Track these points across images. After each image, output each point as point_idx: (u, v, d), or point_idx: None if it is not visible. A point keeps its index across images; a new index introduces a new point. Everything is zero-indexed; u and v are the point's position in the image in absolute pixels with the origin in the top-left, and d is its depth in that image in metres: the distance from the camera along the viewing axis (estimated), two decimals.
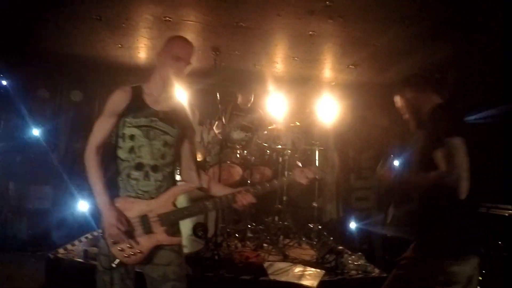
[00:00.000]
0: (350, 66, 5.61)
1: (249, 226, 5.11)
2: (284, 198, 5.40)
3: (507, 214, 4.56)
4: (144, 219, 2.29)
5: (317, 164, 5.51)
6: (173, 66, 2.36)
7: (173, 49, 2.40)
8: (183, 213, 2.37)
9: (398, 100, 2.63)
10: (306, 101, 5.98)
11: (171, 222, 2.33)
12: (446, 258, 2.18)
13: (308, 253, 4.87)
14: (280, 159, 5.42)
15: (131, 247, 2.26)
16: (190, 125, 2.53)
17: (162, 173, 2.36)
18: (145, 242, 2.29)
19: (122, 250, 2.26)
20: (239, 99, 5.51)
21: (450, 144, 2.16)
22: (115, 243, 2.25)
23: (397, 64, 5.37)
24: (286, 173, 5.34)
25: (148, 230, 2.29)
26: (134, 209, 2.29)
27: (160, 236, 2.30)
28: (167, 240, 2.32)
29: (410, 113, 2.56)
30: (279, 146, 5.39)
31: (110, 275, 2.30)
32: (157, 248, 2.33)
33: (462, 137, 2.16)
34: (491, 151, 5.65)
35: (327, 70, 5.89)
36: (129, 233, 2.26)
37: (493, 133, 6.04)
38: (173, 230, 2.38)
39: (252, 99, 5.55)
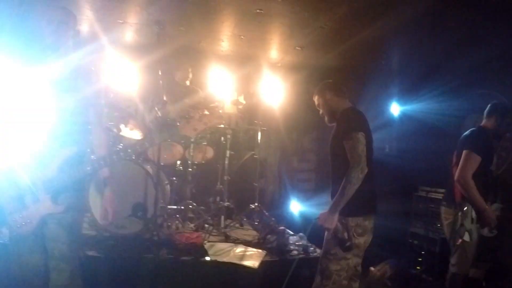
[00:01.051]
0: (297, 48, 5.67)
1: (190, 206, 5.09)
2: (226, 178, 5.42)
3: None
4: (32, 187, 2.33)
5: (258, 144, 5.63)
6: (46, 30, 2.45)
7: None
8: (64, 179, 2.38)
9: (317, 99, 3.31)
10: (251, 81, 6.03)
11: (53, 188, 2.36)
12: (359, 216, 2.98)
13: (250, 233, 4.96)
14: (222, 138, 5.43)
15: (22, 217, 2.31)
16: (89, 91, 2.54)
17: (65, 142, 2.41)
18: (34, 211, 2.33)
19: (15, 220, 2.31)
20: (177, 75, 5.44)
21: (351, 138, 2.91)
22: (10, 213, 2.31)
23: (343, 47, 5.49)
24: (228, 152, 5.39)
25: (36, 198, 2.33)
26: (24, 177, 2.33)
27: (46, 203, 2.35)
28: (51, 208, 2.35)
29: (327, 111, 3.26)
30: (222, 126, 5.35)
31: (18, 247, 2.36)
32: (47, 220, 2.36)
33: (363, 133, 2.94)
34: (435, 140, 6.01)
35: (274, 50, 5.92)
36: (20, 202, 2.32)
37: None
38: (64, 200, 2.39)
39: (191, 76, 5.50)
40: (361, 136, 2.92)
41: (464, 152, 3.78)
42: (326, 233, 3.05)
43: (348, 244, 2.92)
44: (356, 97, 6.02)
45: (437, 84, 6.49)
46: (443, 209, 4.16)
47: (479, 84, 6.07)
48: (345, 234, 2.93)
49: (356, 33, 5.05)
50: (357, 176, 2.84)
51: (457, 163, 3.89)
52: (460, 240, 3.88)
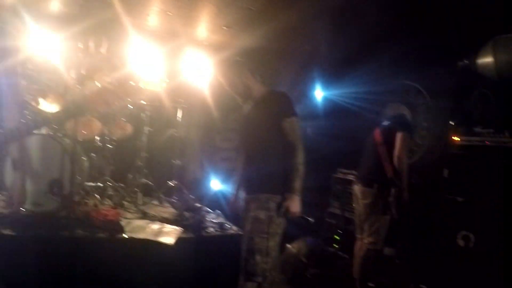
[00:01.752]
0: (224, 27, 5.79)
1: (108, 183, 5.21)
2: (144, 154, 5.54)
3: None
4: None
5: (178, 122, 5.84)
6: None
7: None
8: None
9: (232, 78, 3.48)
10: (176, 58, 6.10)
11: None
12: (276, 194, 3.19)
13: (168, 211, 5.15)
14: (143, 115, 5.58)
15: None
16: (2, 62, 2.56)
17: None
18: None
19: None
20: (91, 45, 5.40)
21: (292, 121, 3.20)
22: None
23: (269, 29, 5.69)
24: (146, 128, 5.54)
25: None
26: None
27: None
28: None
29: (242, 90, 3.45)
30: (143, 102, 5.52)
31: None
32: None
33: (297, 116, 3.23)
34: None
35: (201, 28, 5.99)
36: None
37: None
38: None
39: (105, 45, 5.48)
40: (297, 118, 3.23)
41: (402, 133, 4.36)
42: (255, 213, 3.21)
43: (282, 220, 3.20)
44: (281, 79, 6.36)
45: (359, 72, 6.91)
46: (360, 189, 4.58)
47: (400, 75, 6.63)
48: (278, 212, 3.17)
49: (282, 17, 5.25)
50: (303, 156, 3.14)
51: (385, 143, 4.44)
52: (384, 216, 4.40)
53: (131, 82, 5.44)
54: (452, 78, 5.76)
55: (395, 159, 4.32)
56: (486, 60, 4.37)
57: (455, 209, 4.68)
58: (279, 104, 3.26)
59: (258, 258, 3.15)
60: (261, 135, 3.28)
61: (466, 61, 4.64)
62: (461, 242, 4.54)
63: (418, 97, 6.44)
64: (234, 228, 4.62)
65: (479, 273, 4.25)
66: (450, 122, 5.01)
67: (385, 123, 4.74)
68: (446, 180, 4.86)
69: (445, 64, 5.62)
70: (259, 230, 3.17)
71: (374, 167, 4.52)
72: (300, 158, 3.14)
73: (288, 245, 5.23)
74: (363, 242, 4.64)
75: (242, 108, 3.58)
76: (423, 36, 5.44)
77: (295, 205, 3.14)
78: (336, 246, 6.12)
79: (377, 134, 4.62)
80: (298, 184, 3.13)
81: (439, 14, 4.72)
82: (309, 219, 3.25)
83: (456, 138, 4.85)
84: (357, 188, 4.66)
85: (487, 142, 4.55)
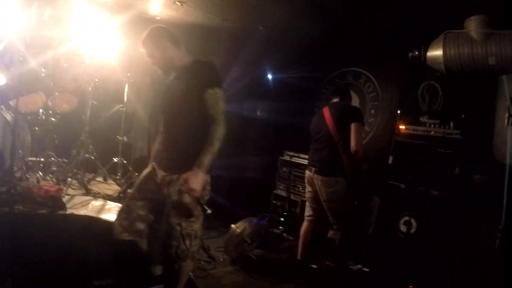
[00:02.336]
0: (177, 2, 5.83)
1: (51, 158, 5.26)
2: (87, 128, 5.53)
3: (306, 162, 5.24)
4: None
5: (125, 97, 5.88)
6: None
7: None
8: None
9: (151, 48, 3.28)
10: (126, 32, 6.11)
11: None
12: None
13: (112, 188, 5.29)
14: (88, 88, 5.61)
15: None
16: None
17: None
18: None
19: None
20: (33, 13, 5.27)
21: (215, 93, 3.01)
22: None
23: (223, 8, 5.84)
24: (90, 102, 5.58)
25: None
26: None
27: None
28: None
29: (164, 61, 3.26)
30: (89, 75, 5.54)
31: None
32: None
33: (221, 88, 3.05)
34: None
35: (152, 2, 5.97)
36: None
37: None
38: None
39: (48, 13, 5.39)
40: (222, 91, 3.03)
41: (357, 124, 4.52)
42: (179, 197, 3.03)
43: (206, 201, 3.08)
44: (233, 59, 6.49)
45: (311, 57, 7.22)
46: (322, 178, 4.67)
47: (351, 62, 6.91)
48: (205, 192, 3.05)
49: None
50: (223, 132, 2.93)
51: (340, 135, 4.57)
52: (348, 201, 4.63)
53: (78, 54, 5.47)
54: (402, 68, 6.10)
55: (353, 153, 4.52)
56: (436, 53, 4.58)
57: (398, 195, 4.95)
58: (202, 73, 3.05)
59: (187, 243, 3.09)
60: (182, 106, 3.07)
61: (416, 53, 4.86)
62: (402, 227, 4.83)
63: (368, 84, 6.75)
64: None
65: (419, 257, 4.55)
66: (398, 111, 5.26)
67: (336, 110, 4.83)
68: (390, 167, 5.10)
69: (396, 54, 5.90)
70: (186, 215, 3.07)
71: (334, 159, 4.62)
72: (218, 133, 2.93)
73: (233, 225, 5.39)
74: (313, 224, 4.92)
75: (165, 79, 3.38)
76: (377, 26, 5.71)
77: (195, 181, 2.87)
78: (281, 228, 6.35)
79: (330, 123, 4.69)
80: (207, 159, 2.90)
81: (393, 4, 4.96)
82: (208, 209, 2.92)
83: (402, 127, 5.10)
84: (316, 177, 4.73)
85: (432, 133, 4.83)
